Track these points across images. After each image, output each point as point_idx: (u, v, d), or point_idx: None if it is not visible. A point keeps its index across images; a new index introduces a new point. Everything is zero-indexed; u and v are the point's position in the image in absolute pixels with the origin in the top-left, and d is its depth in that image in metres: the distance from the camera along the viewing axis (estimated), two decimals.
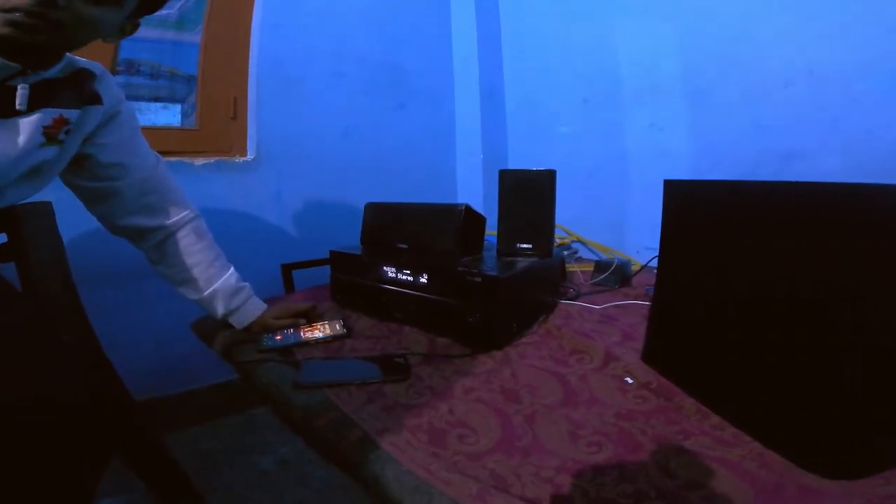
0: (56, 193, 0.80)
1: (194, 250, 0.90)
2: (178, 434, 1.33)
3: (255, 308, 0.95)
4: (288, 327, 0.93)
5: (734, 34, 1.25)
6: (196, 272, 0.90)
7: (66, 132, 0.70)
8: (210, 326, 0.97)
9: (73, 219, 0.87)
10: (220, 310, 0.92)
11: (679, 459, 0.52)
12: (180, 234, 0.89)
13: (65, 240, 0.87)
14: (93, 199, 0.84)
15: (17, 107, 0.62)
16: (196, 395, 1.41)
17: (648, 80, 1.46)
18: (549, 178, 0.98)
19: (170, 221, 0.87)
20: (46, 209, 0.82)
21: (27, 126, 0.65)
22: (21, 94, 0.62)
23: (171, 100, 1.37)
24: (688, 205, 0.68)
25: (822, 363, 0.48)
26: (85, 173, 0.80)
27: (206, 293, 0.90)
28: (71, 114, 0.70)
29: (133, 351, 1.26)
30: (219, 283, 0.91)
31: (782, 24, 1.16)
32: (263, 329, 0.93)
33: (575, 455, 0.54)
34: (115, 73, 1.25)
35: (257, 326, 0.94)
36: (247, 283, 0.96)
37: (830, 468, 0.48)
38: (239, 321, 0.94)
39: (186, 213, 0.90)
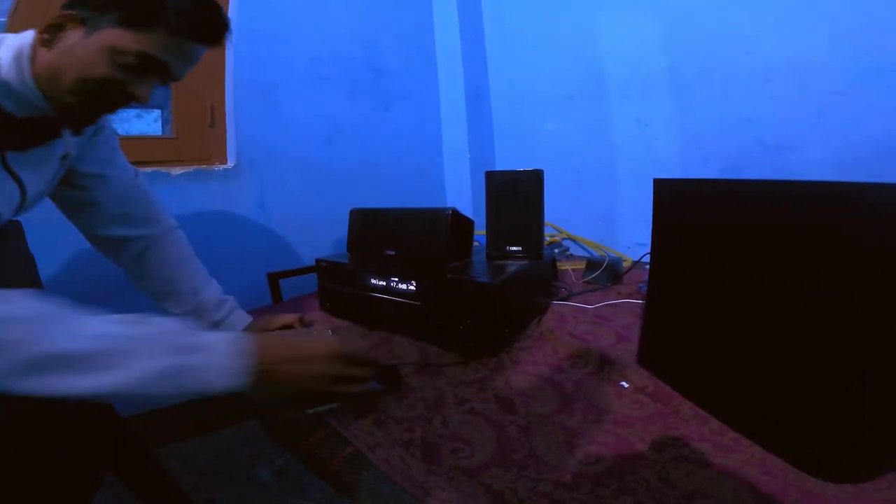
0: (41, 206, 0.77)
1: (175, 261, 0.88)
2: (173, 447, 1.30)
3: (240, 320, 0.93)
4: None
5: (716, 29, 1.25)
6: (179, 284, 0.88)
7: (66, 157, 0.72)
8: None
9: (58, 234, 0.85)
10: (204, 323, 0.90)
11: (679, 468, 0.51)
12: (160, 245, 0.87)
13: (49, 255, 0.84)
14: (72, 209, 0.82)
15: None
16: (189, 408, 1.37)
17: (633, 76, 1.45)
18: (536, 178, 0.97)
19: (149, 231, 0.86)
20: (16, 228, 0.78)
21: (55, 158, 0.68)
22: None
23: (145, 106, 1.33)
24: (678, 204, 0.67)
25: (821, 364, 0.47)
26: (63, 183, 0.78)
27: (190, 306, 0.88)
28: (75, 140, 0.72)
29: None
30: (203, 295, 0.89)
31: (763, 18, 1.16)
32: None
33: (572, 467, 0.53)
34: None
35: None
36: (230, 296, 0.93)
37: (834, 472, 0.47)
38: None
39: (166, 224, 0.89)
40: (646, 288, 0.75)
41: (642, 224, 1.48)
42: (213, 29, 0.64)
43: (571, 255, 1.59)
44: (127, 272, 0.89)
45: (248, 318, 0.94)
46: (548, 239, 1.57)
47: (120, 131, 1.32)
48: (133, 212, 0.84)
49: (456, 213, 0.93)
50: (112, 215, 0.82)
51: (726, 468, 0.51)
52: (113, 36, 0.56)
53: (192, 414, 1.37)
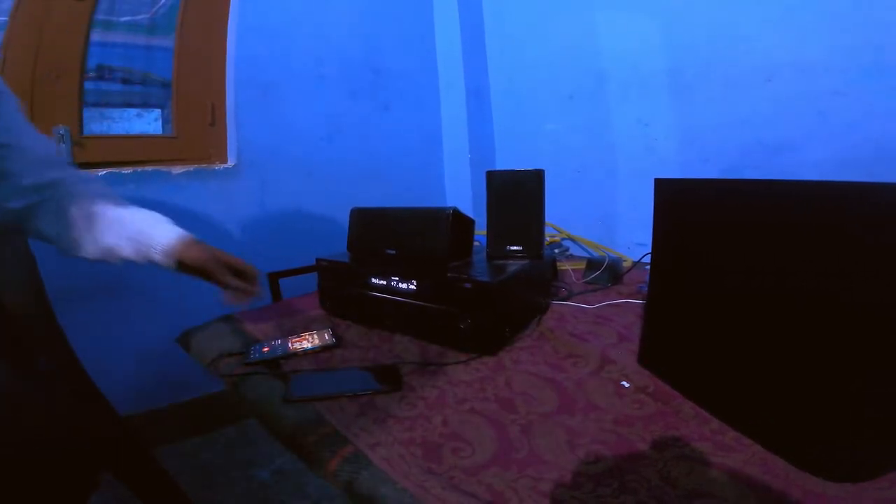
0: None
1: (104, 195, 0.76)
2: (172, 447, 1.30)
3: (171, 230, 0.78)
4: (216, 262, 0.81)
5: (716, 29, 1.25)
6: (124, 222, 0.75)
7: None
8: (196, 338, 0.94)
9: None
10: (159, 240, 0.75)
11: (680, 467, 0.51)
12: (79, 189, 0.75)
13: (49, 253, 0.83)
14: None
15: None
16: (189, 407, 1.38)
17: (634, 76, 1.45)
18: (537, 177, 0.97)
19: (60, 174, 0.74)
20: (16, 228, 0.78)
21: None
22: None
23: (145, 105, 1.33)
24: (679, 204, 0.67)
25: (822, 364, 0.47)
26: None
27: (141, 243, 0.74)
28: None
29: (119, 366, 1.22)
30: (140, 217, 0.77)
31: (763, 18, 1.16)
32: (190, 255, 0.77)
33: (573, 466, 0.53)
34: (84, 78, 1.20)
35: (184, 250, 0.76)
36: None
37: (834, 472, 0.47)
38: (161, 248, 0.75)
39: (80, 173, 0.76)
40: (646, 288, 0.75)
41: (642, 224, 1.48)
42: None
43: (571, 255, 1.59)
44: (59, 241, 0.75)
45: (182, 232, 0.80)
46: (548, 239, 1.57)
47: (120, 130, 1.33)
48: (46, 172, 0.72)
49: (457, 213, 0.93)
50: (24, 187, 0.70)
51: (727, 467, 0.51)
52: None
53: (192, 414, 1.37)
